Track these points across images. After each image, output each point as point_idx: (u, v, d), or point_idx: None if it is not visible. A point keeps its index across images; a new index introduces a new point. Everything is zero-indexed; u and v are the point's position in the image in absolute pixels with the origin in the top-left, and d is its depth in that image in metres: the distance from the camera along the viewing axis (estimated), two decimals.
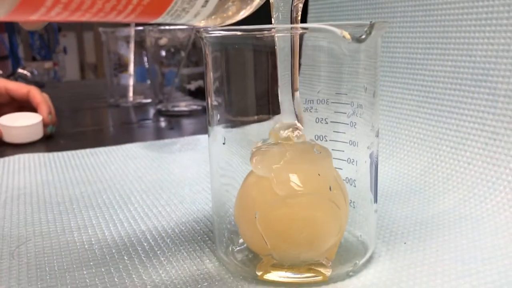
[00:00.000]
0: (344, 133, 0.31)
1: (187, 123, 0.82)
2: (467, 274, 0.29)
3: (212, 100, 0.30)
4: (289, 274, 0.28)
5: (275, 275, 0.28)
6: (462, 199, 0.39)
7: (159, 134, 0.75)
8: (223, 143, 0.30)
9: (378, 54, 0.29)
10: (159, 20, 0.21)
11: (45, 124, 0.69)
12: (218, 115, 0.30)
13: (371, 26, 0.25)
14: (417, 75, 0.48)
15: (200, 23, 0.24)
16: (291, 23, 0.27)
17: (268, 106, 0.29)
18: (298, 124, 0.30)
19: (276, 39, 0.27)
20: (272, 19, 0.27)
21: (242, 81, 0.29)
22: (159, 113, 0.90)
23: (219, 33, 0.27)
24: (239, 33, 0.26)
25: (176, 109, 0.90)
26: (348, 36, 0.23)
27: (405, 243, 0.33)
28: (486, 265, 0.30)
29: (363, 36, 0.24)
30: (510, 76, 0.39)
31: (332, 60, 0.30)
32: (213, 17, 0.23)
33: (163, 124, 0.83)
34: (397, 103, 0.49)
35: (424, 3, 0.46)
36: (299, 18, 0.27)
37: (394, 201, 0.40)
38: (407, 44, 0.49)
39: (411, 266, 0.30)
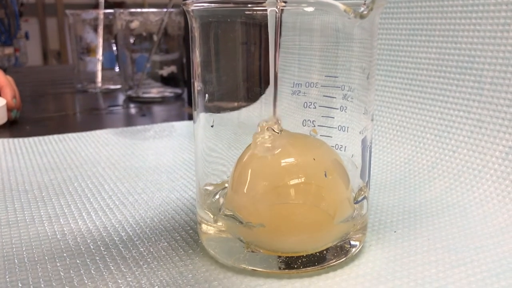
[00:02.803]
0: (333, 117, 0.30)
1: (159, 110, 0.79)
2: (461, 263, 0.28)
3: (199, 80, 0.28)
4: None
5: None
6: (449, 187, 0.38)
7: (130, 121, 0.73)
8: (212, 126, 0.28)
9: (375, 33, 0.28)
10: None
11: (9, 109, 0.65)
12: (207, 96, 0.28)
13: (372, 1, 0.23)
14: (400, 62, 0.47)
15: None
16: None
17: (260, 85, 0.27)
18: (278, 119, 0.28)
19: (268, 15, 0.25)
20: None
21: (232, 57, 0.27)
22: (129, 99, 0.87)
23: (208, 5, 0.25)
24: (230, 5, 0.24)
25: (147, 95, 0.87)
26: (350, 11, 0.22)
27: (395, 232, 0.32)
28: (480, 254, 0.29)
29: (365, 12, 0.23)
30: (496, 64, 0.38)
31: (324, 40, 0.29)
32: None
33: (133, 110, 0.80)
34: (379, 90, 0.49)
35: None
36: None
37: (380, 190, 0.39)
38: (390, 31, 0.48)
39: (403, 255, 0.29)
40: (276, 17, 0.25)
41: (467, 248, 0.30)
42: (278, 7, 0.24)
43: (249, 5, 0.25)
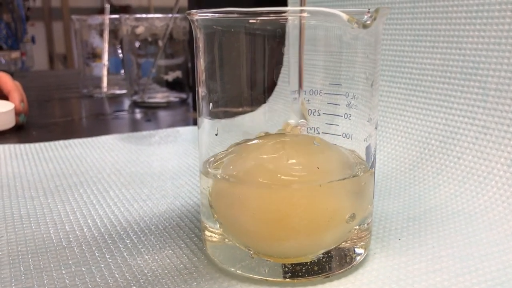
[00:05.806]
0: (338, 125, 0.30)
1: (164, 115, 0.80)
2: (466, 272, 0.28)
3: (203, 87, 0.28)
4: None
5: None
6: (454, 194, 0.38)
7: (135, 126, 0.73)
8: (216, 134, 0.28)
9: (379, 41, 0.28)
10: None
11: (17, 113, 0.66)
12: (211, 103, 0.28)
13: (376, 11, 0.24)
14: (404, 67, 0.47)
15: None
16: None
17: (263, 94, 0.28)
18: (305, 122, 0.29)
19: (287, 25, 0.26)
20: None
21: (236, 67, 0.27)
22: (134, 104, 0.87)
23: (212, 15, 0.25)
24: (234, 15, 0.24)
25: (152, 100, 0.87)
26: (353, 21, 0.22)
27: (399, 239, 0.32)
28: (484, 262, 0.29)
29: (368, 22, 0.23)
30: (501, 70, 0.38)
31: (328, 48, 0.29)
32: None
33: (139, 116, 0.80)
34: (384, 96, 0.49)
35: None
36: None
37: (385, 197, 0.39)
38: (394, 36, 0.48)
39: (408, 263, 0.29)
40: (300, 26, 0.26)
41: (472, 256, 0.29)
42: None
43: (253, 15, 0.25)
